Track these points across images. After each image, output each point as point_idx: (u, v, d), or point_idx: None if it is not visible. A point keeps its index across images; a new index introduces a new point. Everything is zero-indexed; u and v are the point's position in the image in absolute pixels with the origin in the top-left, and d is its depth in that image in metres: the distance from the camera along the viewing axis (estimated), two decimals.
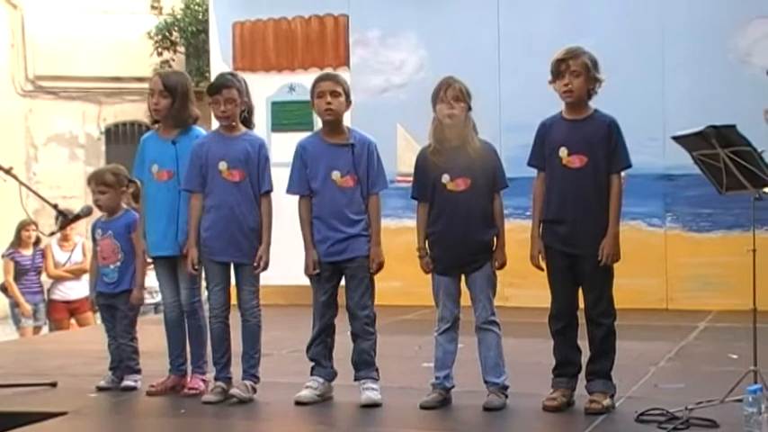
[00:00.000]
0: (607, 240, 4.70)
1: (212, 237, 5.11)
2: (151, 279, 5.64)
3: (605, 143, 4.74)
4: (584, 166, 4.73)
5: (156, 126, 5.43)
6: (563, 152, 4.76)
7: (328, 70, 8.34)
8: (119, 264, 5.48)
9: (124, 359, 5.49)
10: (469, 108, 4.89)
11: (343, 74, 7.35)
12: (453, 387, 4.91)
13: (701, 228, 8.51)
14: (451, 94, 4.84)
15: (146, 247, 5.35)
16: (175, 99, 5.26)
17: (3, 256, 9.39)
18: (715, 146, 4.48)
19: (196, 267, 5.15)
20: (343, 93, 5.04)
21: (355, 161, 5.00)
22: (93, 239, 5.66)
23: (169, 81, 5.30)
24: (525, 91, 8.16)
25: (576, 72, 4.72)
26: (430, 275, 4.96)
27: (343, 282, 5.07)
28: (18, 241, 9.56)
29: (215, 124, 5.34)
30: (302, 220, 5.07)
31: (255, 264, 5.08)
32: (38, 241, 9.63)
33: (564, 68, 4.74)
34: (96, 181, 5.57)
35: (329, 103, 5.00)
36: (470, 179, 4.85)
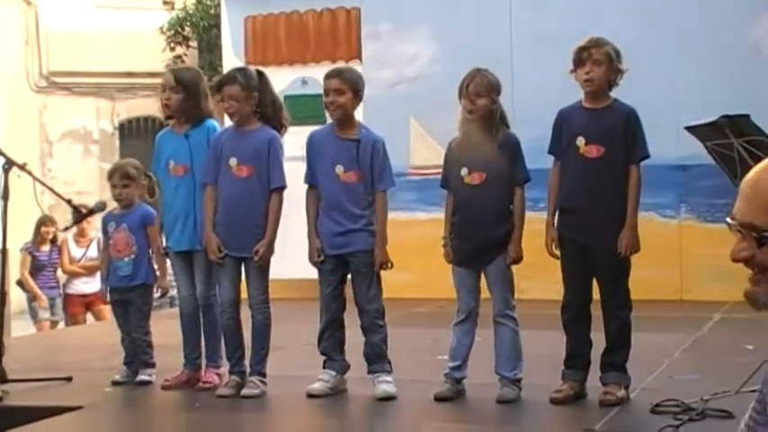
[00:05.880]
0: (625, 232, 4.67)
1: (221, 231, 5.12)
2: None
3: (624, 133, 4.71)
4: (600, 157, 4.70)
5: (171, 122, 5.46)
6: (580, 141, 4.73)
7: (340, 64, 8.35)
8: (133, 256, 5.50)
9: (138, 353, 5.50)
10: (494, 102, 4.85)
11: (356, 67, 7.36)
12: (464, 378, 4.90)
13: (715, 218, 8.44)
14: (473, 90, 4.81)
15: (164, 241, 5.38)
16: (186, 94, 5.28)
17: (21, 250, 9.45)
18: (729, 135, 4.46)
19: (221, 252, 5.08)
20: (349, 89, 5.01)
21: (359, 157, 5.01)
22: (105, 232, 5.68)
23: (180, 76, 5.34)
24: (538, 84, 8.15)
25: (597, 61, 4.67)
26: (450, 266, 4.95)
27: (350, 276, 5.08)
28: (37, 237, 9.61)
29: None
30: (306, 209, 5.11)
31: (252, 256, 5.07)
32: (55, 239, 9.68)
33: (586, 57, 4.68)
34: (120, 174, 5.56)
35: (331, 102, 5.02)
36: (486, 173, 4.84)
